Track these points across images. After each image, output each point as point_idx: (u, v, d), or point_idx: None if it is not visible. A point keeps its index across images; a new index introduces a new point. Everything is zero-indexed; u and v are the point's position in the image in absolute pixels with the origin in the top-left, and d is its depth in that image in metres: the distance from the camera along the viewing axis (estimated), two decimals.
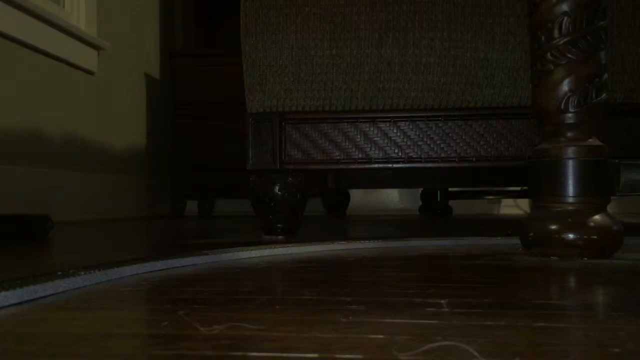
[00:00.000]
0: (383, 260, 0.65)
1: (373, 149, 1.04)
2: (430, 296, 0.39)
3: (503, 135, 1.02)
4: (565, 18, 0.64)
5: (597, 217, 0.63)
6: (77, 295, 0.41)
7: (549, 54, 0.65)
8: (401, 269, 0.57)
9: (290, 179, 1.05)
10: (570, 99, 0.64)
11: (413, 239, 0.86)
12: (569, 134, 0.65)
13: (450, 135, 1.02)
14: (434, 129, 1.03)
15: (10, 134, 1.61)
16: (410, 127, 1.03)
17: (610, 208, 0.67)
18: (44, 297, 0.40)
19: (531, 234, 0.66)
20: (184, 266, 0.58)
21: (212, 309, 0.35)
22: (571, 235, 0.62)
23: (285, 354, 0.25)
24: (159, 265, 0.55)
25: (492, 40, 1.00)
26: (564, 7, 0.64)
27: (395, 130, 1.03)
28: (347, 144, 1.04)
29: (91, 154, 2.05)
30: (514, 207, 2.93)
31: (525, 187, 2.20)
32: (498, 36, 1.00)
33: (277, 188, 1.04)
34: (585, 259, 0.62)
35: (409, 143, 1.03)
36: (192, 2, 2.71)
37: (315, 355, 0.25)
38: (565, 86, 0.64)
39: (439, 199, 2.34)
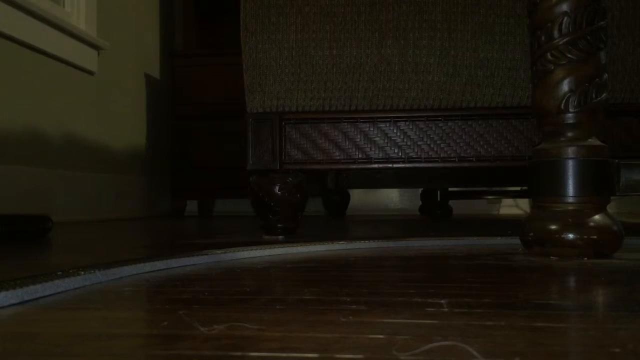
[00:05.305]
0: (383, 260, 0.65)
1: (373, 149, 1.04)
2: (430, 296, 0.39)
3: (503, 135, 1.02)
4: (565, 18, 0.64)
5: (597, 217, 0.63)
6: (77, 295, 0.41)
7: (549, 54, 0.65)
8: (401, 269, 0.57)
9: (290, 179, 1.05)
10: (570, 99, 0.64)
11: (413, 239, 0.86)
12: (569, 134, 0.65)
13: (450, 135, 1.02)
14: (434, 129, 1.03)
15: (10, 134, 1.61)
16: (410, 127, 1.03)
17: (610, 208, 0.67)
18: (44, 297, 0.40)
19: (531, 234, 0.66)
20: (184, 266, 0.58)
21: (212, 309, 0.35)
22: (571, 235, 0.62)
23: (285, 354, 0.25)
24: (159, 265, 0.55)
25: (492, 40, 1.00)
26: (564, 7, 0.64)
27: (395, 130, 1.03)
28: (347, 144, 1.04)
29: (91, 154, 2.05)
30: (514, 207, 2.93)
31: (525, 187, 2.20)
32: (498, 36, 1.00)
33: (277, 188, 1.04)
34: (585, 259, 0.62)
35: (409, 143, 1.03)
36: (192, 2, 2.71)
37: (315, 355, 0.25)
38: (565, 86, 0.64)
39: (439, 199, 2.34)
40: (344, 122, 1.04)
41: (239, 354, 0.25)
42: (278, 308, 0.35)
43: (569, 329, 0.30)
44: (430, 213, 2.36)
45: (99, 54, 2.08)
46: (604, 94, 0.65)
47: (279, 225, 1.06)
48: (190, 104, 2.56)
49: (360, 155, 1.04)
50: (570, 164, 0.64)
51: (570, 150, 0.64)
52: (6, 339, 0.29)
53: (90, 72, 2.04)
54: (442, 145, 1.02)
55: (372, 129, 1.04)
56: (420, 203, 2.50)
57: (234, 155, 2.42)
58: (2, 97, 1.57)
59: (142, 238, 1.11)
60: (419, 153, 1.03)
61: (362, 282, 0.48)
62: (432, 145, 1.03)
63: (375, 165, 1.04)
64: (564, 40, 0.64)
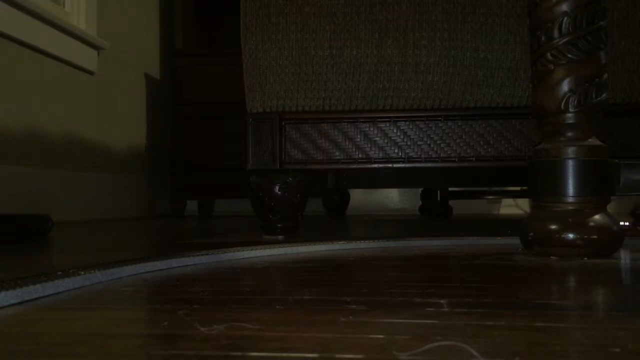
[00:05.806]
0: (383, 260, 0.65)
1: (373, 149, 1.04)
2: (430, 296, 0.39)
3: (503, 135, 1.02)
4: (565, 18, 0.64)
5: (597, 217, 0.63)
6: (77, 295, 0.41)
7: (549, 54, 0.65)
8: (401, 269, 0.57)
9: (290, 179, 1.05)
10: (570, 99, 0.64)
11: (413, 239, 0.86)
12: (569, 134, 0.65)
13: (450, 135, 1.02)
14: (434, 129, 1.03)
15: (10, 134, 1.61)
16: (410, 127, 1.03)
17: (610, 208, 0.67)
18: (44, 297, 0.40)
19: (531, 234, 0.66)
20: (184, 266, 0.58)
21: (212, 309, 0.35)
22: (571, 235, 0.62)
23: (285, 354, 0.25)
24: (159, 265, 0.55)
25: (492, 40, 1.00)
26: (564, 7, 0.64)
27: (395, 130, 1.03)
28: (347, 144, 1.04)
29: (91, 154, 2.05)
30: (514, 207, 2.93)
31: (525, 187, 2.20)
32: (498, 36, 1.00)
33: (277, 188, 1.04)
34: (585, 258, 0.62)
35: (409, 143, 1.03)
36: (192, 2, 2.71)
37: (315, 355, 0.25)
38: (565, 86, 0.64)
39: (439, 199, 2.34)
40: (344, 122, 1.04)
41: (239, 354, 0.25)
42: (278, 308, 0.35)
43: (569, 329, 0.30)
44: (430, 213, 2.36)
45: (99, 54, 2.08)
46: (604, 94, 0.65)
47: (279, 225, 1.06)
48: (190, 104, 2.56)
49: (360, 155, 1.04)
50: (570, 164, 0.64)
51: (570, 150, 0.64)
52: (6, 339, 0.29)
53: (91, 72, 2.04)
54: (442, 145, 1.02)
55: (372, 129, 1.04)
56: (420, 203, 2.50)
57: (234, 155, 2.41)
58: (2, 97, 1.57)
59: (142, 238, 1.11)
60: (419, 153, 1.03)
61: (362, 282, 0.48)
62: (432, 145, 1.03)
63: (375, 165, 1.04)
64: (564, 40, 0.64)
